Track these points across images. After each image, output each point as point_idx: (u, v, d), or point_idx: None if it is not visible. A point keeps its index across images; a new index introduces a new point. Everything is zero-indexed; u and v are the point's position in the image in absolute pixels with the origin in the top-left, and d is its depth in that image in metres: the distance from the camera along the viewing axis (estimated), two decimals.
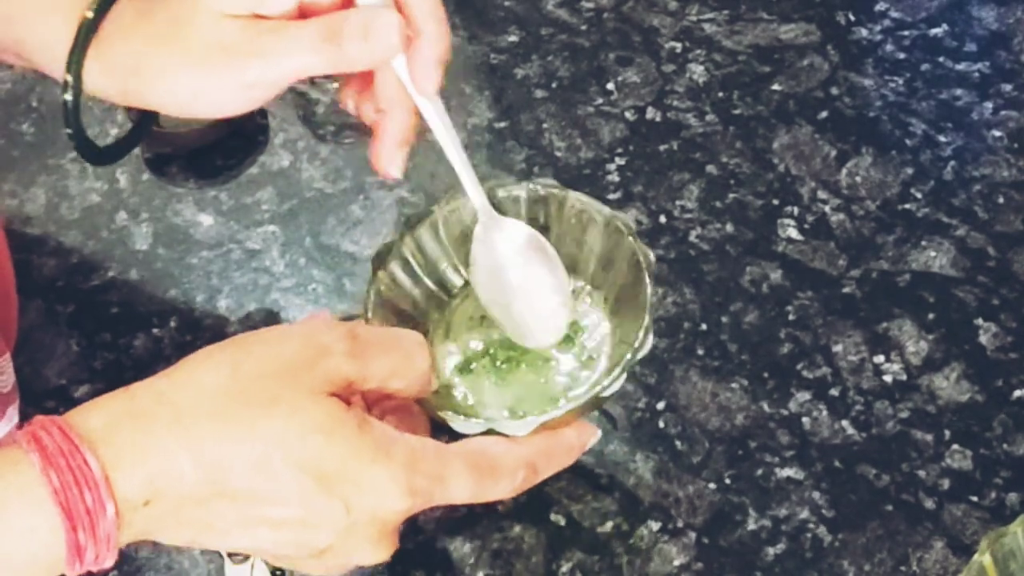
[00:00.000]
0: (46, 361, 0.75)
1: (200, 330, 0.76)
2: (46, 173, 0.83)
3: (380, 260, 0.65)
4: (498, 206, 0.65)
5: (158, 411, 0.52)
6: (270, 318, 0.77)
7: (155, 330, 0.76)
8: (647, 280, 0.63)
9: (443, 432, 0.59)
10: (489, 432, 0.59)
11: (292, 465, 0.52)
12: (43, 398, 0.74)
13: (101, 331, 0.76)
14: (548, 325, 0.66)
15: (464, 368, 0.66)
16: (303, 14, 0.60)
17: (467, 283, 0.68)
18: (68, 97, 0.63)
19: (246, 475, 0.52)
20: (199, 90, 0.61)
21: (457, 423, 0.60)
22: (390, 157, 0.62)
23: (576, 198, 0.67)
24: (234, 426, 0.52)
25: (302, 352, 0.54)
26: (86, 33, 0.63)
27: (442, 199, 0.67)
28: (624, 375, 0.61)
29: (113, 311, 0.77)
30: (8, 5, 0.64)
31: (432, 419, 0.61)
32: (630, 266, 0.65)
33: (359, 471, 0.53)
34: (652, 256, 0.64)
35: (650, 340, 0.62)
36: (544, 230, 0.67)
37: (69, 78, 0.63)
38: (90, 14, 0.62)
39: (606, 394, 0.61)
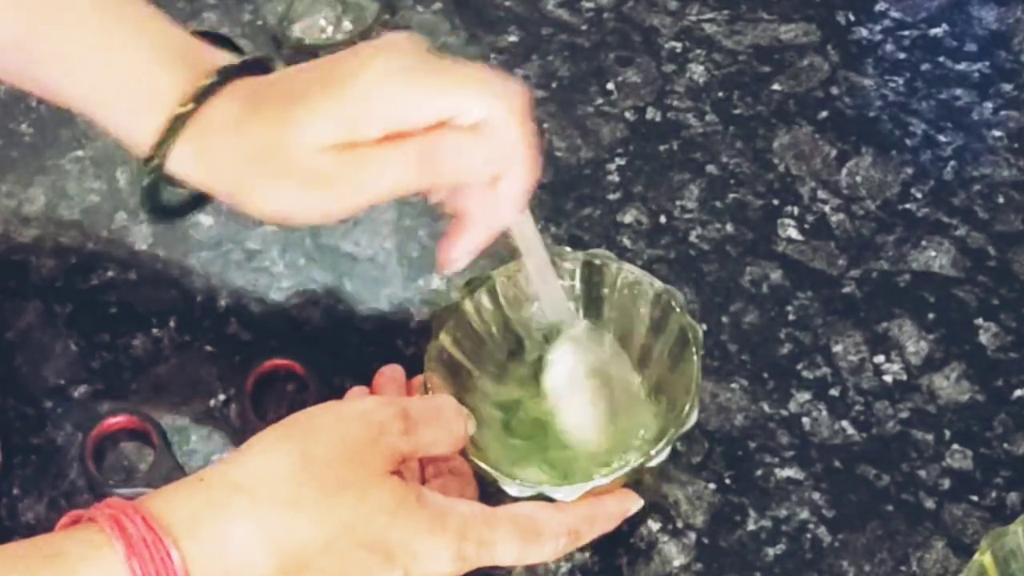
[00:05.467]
0: (45, 361, 0.75)
1: (200, 330, 0.76)
2: (45, 173, 0.83)
3: (441, 321, 0.68)
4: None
5: (235, 501, 0.54)
6: (270, 318, 0.77)
7: (154, 330, 0.76)
8: (695, 355, 0.65)
9: (489, 489, 0.64)
10: (538, 496, 0.62)
11: (360, 545, 0.55)
12: (42, 398, 0.74)
13: (100, 331, 0.76)
14: (605, 435, 0.68)
15: (510, 429, 0.69)
16: (397, 135, 0.62)
17: (521, 346, 0.71)
18: (149, 179, 0.65)
19: (317, 557, 0.55)
20: (297, 209, 0.64)
21: (510, 487, 0.63)
22: (458, 260, 0.66)
23: (629, 270, 0.69)
24: (307, 513, 0.55)
25: (362, 434, 0.57)
26: (182, 121, 0.64)
27: (499, 265, 0.69)
28: (669, 448, 0.63)
29: (112, 311, 0.77)
30: (95, 89, 0.66)
31: (482, 477, 0.64)
32: (678, 339, 0.67)
33: (418, 543, 0.56)
34: (700, 331, 0.66)
35: (695, 414, 0.64)
36: (598, 299, 0.70)
37: (155, 162, 0.65)
38: (182, 110, 0.64)
39: (651, 464, 0.63)
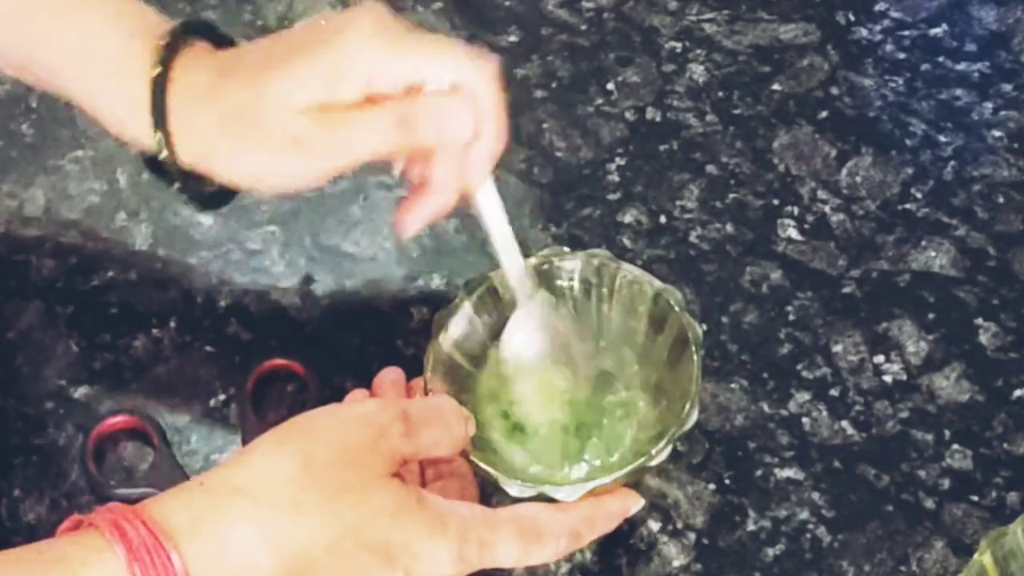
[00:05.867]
0: (46, 362, 0.75)
1: (200, 331, 0.76)
2: (45, 173, 0.83)
3: (440, 323, 0.69)
4: (553, 275, 0.70)
5: (236, 505, 0.54)
6: (270, 318, 0.77)
7: (155, 330, 0.76)
8: (694, 354, 0.65)
9: (489, 489, 0.64)
10: (539, 496, 0.62)
11: (361, 547, 0.55)
12: (43, 399, 0.74)
13: (101, 332, 0.76)
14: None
15: (513, 428, 0.69)
16: (371, 100, 0.62)
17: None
18: (165, 154, 0.64)
19: (318, 560, 0.55)
20: (269, 174, 0.64)
21: (510, 487, 0.63)
22: (413, 224, 0.66)
23: (627, 270, 0.69)
24: (309, 516, 0.55)
25: (363, 436, 0.57)
26: (161, 91, 0.63)
27: (498, 266, 0.69)
28: (670, 447, 0.63)
29: (113, 311, 0.77)
30: (72, 70, 0.65)
31: (482, 478, 0.64)
32: (677, 338, 0.67)
33: (419, 545, 0.56)
34: (700, 330, 0.67)
35: (695, 413, 0.64)
36: (598, 299, 0.70)
37: (160, 136, 0.64)
38: (157, 70, 0.63)
39: (651, 464, 0.63)
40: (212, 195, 0.68)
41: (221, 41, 0.66)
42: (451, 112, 0.62)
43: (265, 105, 0.62)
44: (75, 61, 0.65)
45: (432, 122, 0.62)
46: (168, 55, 0.63)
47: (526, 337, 0.69)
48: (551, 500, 0.62)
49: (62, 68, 0.66)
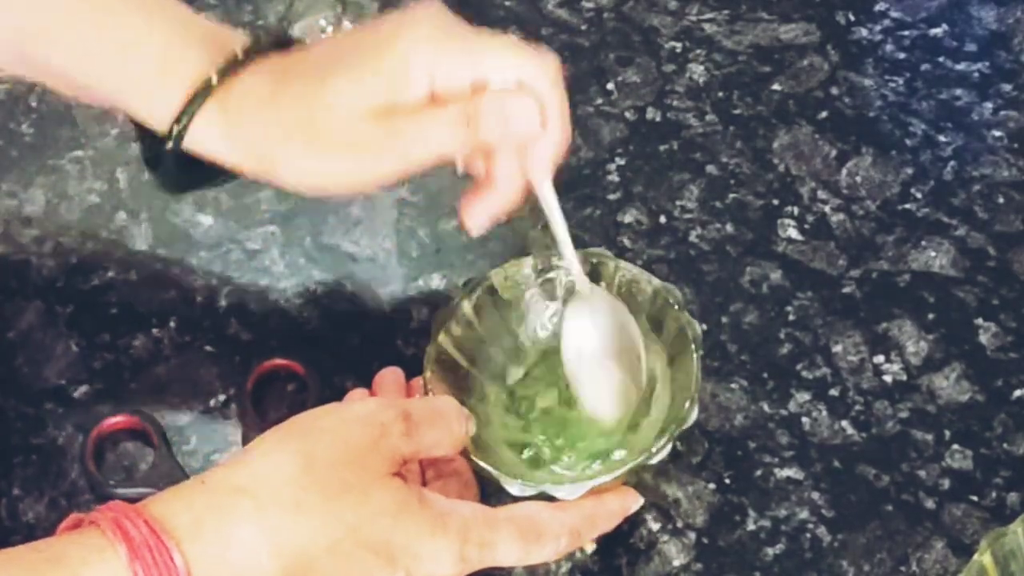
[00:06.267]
0: (45, 361, 0.75)
1: (200, 331, 0.76)
2: (45, 173, 0.83)
3: (440, 322, 0.68)
4: (552, 274, 0.70)
5: (238, 504, 0.54)
6: (270, 318, 0.77)
7: (154, 330, 0.76)
8: (694, 352, 0.65)
9: (489, 488, 0.64)
10: (539, 495, 0.62)
11: (363, 546, 0.55)
12: (43, 398, 0.74)
13: (100, 331, 0.76)
14: (618, 401, 0.68)
15: (510, 427, 0.69)
16: (434, 101, 0.62)
17: (519, 348, 0.71)
18: (169, 146, 0.65)
19: (320, 560, 0.55)
20: (334, 179, 0.64)
21: (511, 486, 0.63)
22: (480, 219, 0.66)
23: (626, 268, 0.69)
24: (310, 516, 0.54)
25: (364, 436, 0.57)
26: (204, 95, 0.64)
27: (497, 265, 0.69)
28: (670, 445, 0.63)
29: (112, 311, 0.77)
30: (116, 71, 0.66)
31: (482, 477, 0.64)
32: (677, 336, 0.67)
33: (420, 544, 0.56)
34: (699, 328, 0.66)
35: (696, 411, 0.64)
36: None
37: (176, 128, 0.64)
38: (214, 79, 0.64)
39: (651, 462, 0.63)
40: (187, 181, 0.68)
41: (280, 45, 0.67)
42: (517, 110, 0.62)
43: (327, 111, 0.62)
44: (118, 61, 0.66)
45: (498, 121, 0.62)
46: (232, 67, 0.64)
47: (586, 328, 0.68)
48: (551, 499, 0.62)
49: (103, 59, 0.66)
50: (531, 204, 0.66)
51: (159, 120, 0.65)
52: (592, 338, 0.68)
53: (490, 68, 0.62)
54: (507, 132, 0.62)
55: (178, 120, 0.64)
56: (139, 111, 0.66)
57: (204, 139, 0.65)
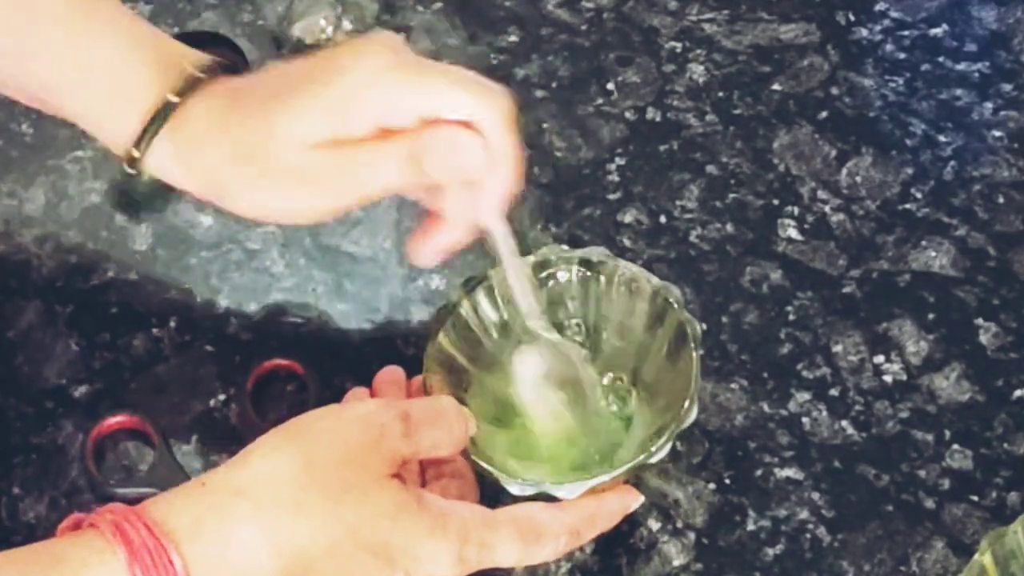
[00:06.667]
0: (45, 361, 0.75)
1: (200, 331, 0.76)
2: (45, 173, 0.83)
3: (440, 322, 0.68)
4: (551, 273, 0.70)
5: (237, 506, 0.54)
6: (270, 318, 0.77)
7: (154, 330, 0.76)
8: (693, 351, 0.65)
9: (489, 488, 0.64)
10: (539, 494, 0.62)
11: (362, 548, 0.55)
12: (43, 398, 0.74)
13: (100, 331, 0.76)
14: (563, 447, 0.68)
15: (510, 427, 0.68)
16: (384, 135, 0.61)
17: (519, 345, 0.70)
18: (132, 171, 0.65)
19: (319, 561, 0.55)
20: (279, 209, 0.64)
21: (511, 486, 0.63)
22: (428, 256, 0.66)
23: (625, 267, 0.69)
24: (310, 517, 0.55)
25: (364, 437, 0.57)
26: (162, 118, 0.64)
27: (497, 265, 0.68)
28: (669, 445, 0.63)
29: (112, 311, 0.77)
30: (71, 93, 0.66)
31: (482, 476, 0.64)
32: (676, 335, 0.67)
33: (419, 546, 0.56)
34: (698, 326, 0.66)
35: (695, 410, 0.64)
36: (595, 297, 0.70)
37: (136, 153, 0.64)
38: (175, 99, 0.63)
39: (652, 461, 0.63)
40: (145, 197, 0.69)
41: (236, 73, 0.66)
42: (460, 146, 0.61)
43: (274, 140, 0.61)
44: (74, 79, 0.65)
45: (441, 157, 0.61)
46: (191, 87, 0.64)
47: (538, 374, 0.68)
48: (551, 498, 0.62)
49: (60, 81, 0.66)
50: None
51: (115, 141, 0.65)
52: (539, 387, 0.68)
53: (440, 104, 0.61)
54: (450, 168, 0.62)
55: (137, 145, 0.64)
56: (97, 130, 0.66)
57: (158, 163, 0.65)
